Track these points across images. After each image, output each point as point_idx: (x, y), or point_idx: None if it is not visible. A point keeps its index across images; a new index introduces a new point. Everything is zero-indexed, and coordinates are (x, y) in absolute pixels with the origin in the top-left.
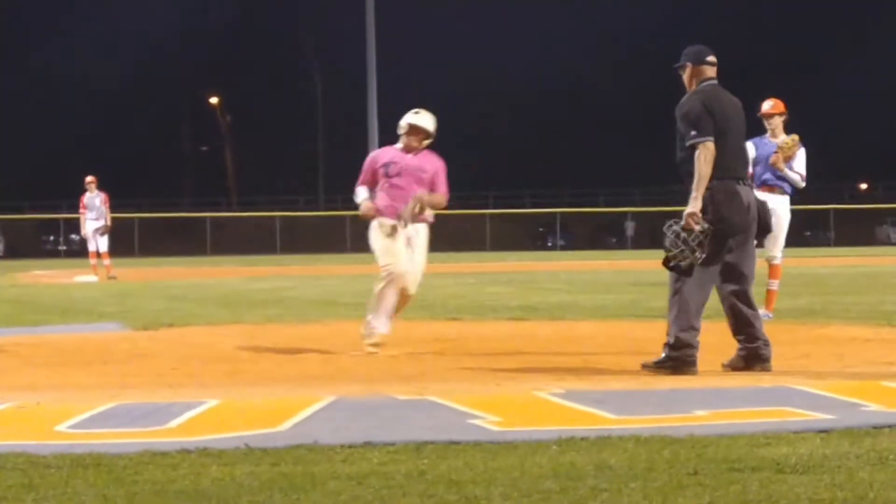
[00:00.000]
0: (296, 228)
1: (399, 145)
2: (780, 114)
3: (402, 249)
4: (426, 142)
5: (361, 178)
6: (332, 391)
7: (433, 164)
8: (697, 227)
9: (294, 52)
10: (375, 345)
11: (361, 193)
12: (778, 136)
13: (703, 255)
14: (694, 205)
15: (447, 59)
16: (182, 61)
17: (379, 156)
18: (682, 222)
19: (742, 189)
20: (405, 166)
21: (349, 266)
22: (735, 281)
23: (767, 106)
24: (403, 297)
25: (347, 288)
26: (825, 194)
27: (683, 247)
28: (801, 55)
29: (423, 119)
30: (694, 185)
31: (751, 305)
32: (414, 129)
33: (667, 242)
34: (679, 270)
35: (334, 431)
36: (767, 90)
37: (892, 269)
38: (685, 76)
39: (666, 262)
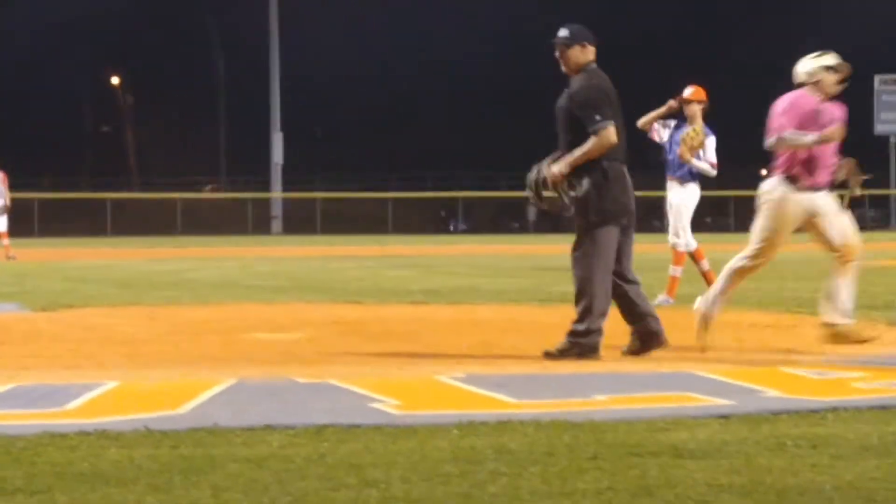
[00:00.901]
0: (198, 210)
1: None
2: (700, 101)
3: None
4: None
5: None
6: (232, 374)
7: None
8: (567, 188)
9: (196, 32)
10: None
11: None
12: (696, 125)
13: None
14: (563, 167)
15: (350, 41)
16: (84, 40)
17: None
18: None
19: (626, 173)
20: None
21: (249, 248)
22: (616, 261)
23: (688, 92)
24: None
25: (248, 270)
26: (726, 180)
27: (548, 191)
28: (700, 45)
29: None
30: (575, 157)
31: (629, 282)
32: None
33: (532, 179)
34: (540, 206)
35: (234, 414)
36: (665, 78)
37: (792, 257)
38: (570, 55)
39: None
